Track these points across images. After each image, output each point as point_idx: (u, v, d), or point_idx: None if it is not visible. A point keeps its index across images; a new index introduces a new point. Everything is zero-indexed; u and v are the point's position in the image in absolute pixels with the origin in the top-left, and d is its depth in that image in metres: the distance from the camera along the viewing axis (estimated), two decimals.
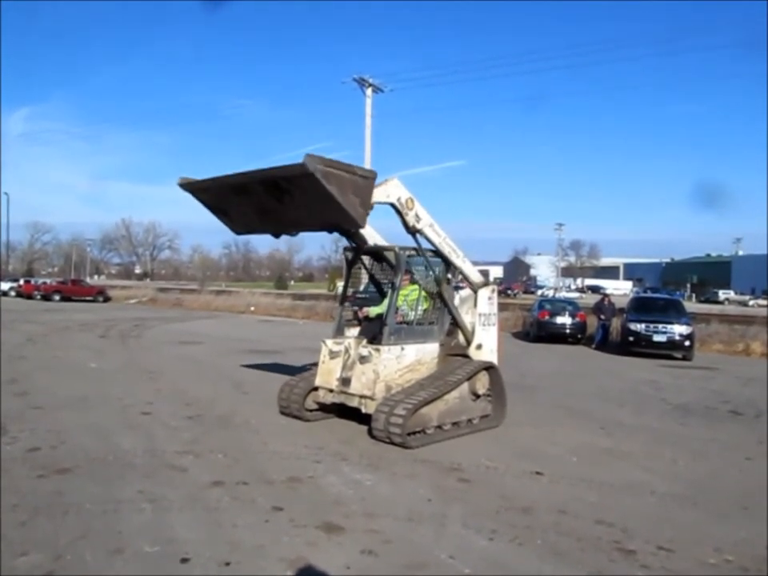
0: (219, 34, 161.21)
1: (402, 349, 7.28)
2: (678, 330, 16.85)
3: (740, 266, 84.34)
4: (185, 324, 24.51)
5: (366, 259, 8.28)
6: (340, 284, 8.49)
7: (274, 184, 6.13)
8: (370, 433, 6.85)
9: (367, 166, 28.99)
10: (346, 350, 7.39)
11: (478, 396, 7.69)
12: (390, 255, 7.70)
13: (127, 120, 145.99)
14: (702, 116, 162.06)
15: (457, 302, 8.17)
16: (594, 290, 72.61)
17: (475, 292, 8.32)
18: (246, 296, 40.94)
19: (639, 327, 17.14)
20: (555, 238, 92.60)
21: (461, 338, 8.15)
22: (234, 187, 6.62)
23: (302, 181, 5.77)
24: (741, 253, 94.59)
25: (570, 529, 4.63)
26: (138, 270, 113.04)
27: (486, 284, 8.51)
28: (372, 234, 7.77)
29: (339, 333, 7.90)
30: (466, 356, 8.02)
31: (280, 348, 16.24)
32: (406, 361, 7.31)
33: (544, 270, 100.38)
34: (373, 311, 7.91)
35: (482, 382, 7.74)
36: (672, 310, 18.35)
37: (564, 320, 20.30)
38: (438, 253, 7.67)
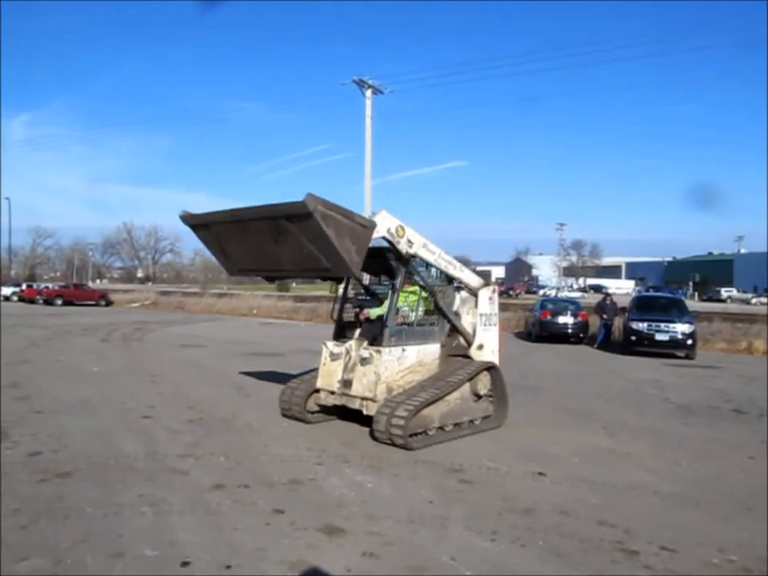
0: (218, 37, 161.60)
1: (403, 350, 7.27)
2: (681, 328, 16.82)
3: (742, 264, 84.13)
4: (186, 327, 24.52)
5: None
6: (341, 286, 8.47)
7: (272, 222, 6.16)
8: (372, 435, 6.83)
9: (368, 168, 29.07)
10: (347, 352, 7.37)
11: (479, 397, 7.68)
12: (391, 256, 7.68)
13: (128, 124, 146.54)
14: (702, 115, 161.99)
15: (458, 302, 8.16)
16: (597, 289, 72.46)
17: (475, 295, 8.29)
18: (247, 299, 40.98)
19: (641, 326, 17.10)
20: (557, 238, 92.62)
21: (461, 338, 8.13)
22: (234, 223, 6.68)
23: (301, 220, 5.78)
24: (743, 251, 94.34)
25: (572, 530, 4.61)
26: (140, 274, 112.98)
27: (486, 284, 8.48)
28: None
29: (340, 335, 7.89)
30: (468, 357, 8.01)
31: (281, 350, 16.24)
32: (407, 362, 7.30)
33: (546, 269, 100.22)
34: (373, 312, 7.89)
35: (484, 383, 7.73)
36: (674, 309, 18.33)
37: (566, 320, 20.27)
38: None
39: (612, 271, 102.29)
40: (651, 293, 41.79)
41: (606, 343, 19.26)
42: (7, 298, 45.97)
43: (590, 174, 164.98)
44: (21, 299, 44.59)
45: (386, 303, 7.66)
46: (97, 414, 8.08)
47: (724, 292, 69.48)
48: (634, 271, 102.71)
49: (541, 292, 70.64)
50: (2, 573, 3.67)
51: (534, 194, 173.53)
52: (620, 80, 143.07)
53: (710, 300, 62.98)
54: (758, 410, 9.61)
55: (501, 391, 8.01)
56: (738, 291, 70.78)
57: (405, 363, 7.27)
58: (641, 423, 8.52)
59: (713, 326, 21.23)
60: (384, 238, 6.92)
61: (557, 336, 20.05)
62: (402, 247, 7.04)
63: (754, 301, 62.77)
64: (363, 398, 7.10)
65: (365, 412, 7.09)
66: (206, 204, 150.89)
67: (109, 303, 42.72)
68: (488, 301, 8.38)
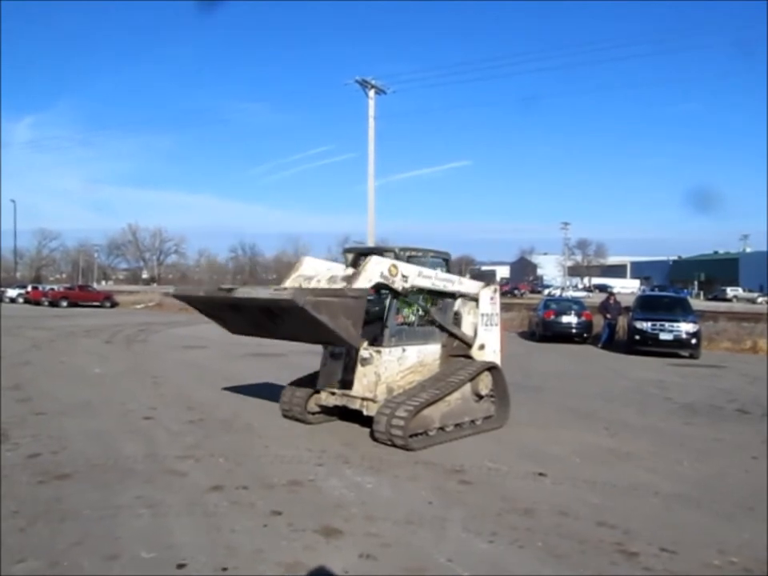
0: (219, 37, 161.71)
1: (404, 350, 7.24)
2: (685, 328, 16.76)
3: (748, 263, 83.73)
4: (190, 328, 24.51)
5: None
6: None
7: (265, 309, 6.27)
8: (372, 435, 6.81)
9: (371, 168, 29.07)
10: (347, 352, 7.35)
11: (480, 397, 7.64)
12: (390, 256, 7.65)
13: (131, 125, 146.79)
14: (706, 113, 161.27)
15: (458, 303, 8.13)
16: (602, 288, 72.08)
17: (477, 297, 8.25)
18: None
19: (645, 326, 17.04)
20: (561, 238, 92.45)
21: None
22: (228, 305, 6.80)
23: (292, 312, 5.87)
24: (748, 250, 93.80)
25: (571, 531, 4.58)
26: (145, 275, 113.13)
27: (487, 285, 8.46)
28: None
29: None
30: (469, 357, 7.97)
31: (284, 351, 16.19)
32: (408, 362, 7.28)
33: (551, 269, 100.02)
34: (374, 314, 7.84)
35: (485, 383, 7.70)
36: (678, 308, 18.26)
37: (570, 319, 20.22)
38: (434, 292, 7.67)
39: (617, 271, 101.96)
40: (655, 292, 41.65)
41: (610, 343, 19.19)
42: (13, 300, 46.19)
43: (595, 173, 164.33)
44: (26, 301, 44.74)
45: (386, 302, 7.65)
46: (97, 416, 8.09)
47: (729, 291, 69.22)
48: (640, 271, 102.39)
49: (545, 291, 70.45)
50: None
51: (538, 194, 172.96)
52: (624, 78, 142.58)
53: (715, 299, 62.72)
54: (761, 410, 9.54)
55: (502, 391, 7.97)
56: (744, 290, 70.52)
57: (405, 363, 7.24)
58: (643, 423, 8.48)
59: (718, 325, 21.15)
60: (379, 284, 6.87)
61: (560, 336, 20.00)
62: (398, 285, 7.01)
63: (759, 300, 62.51)
64: (363, 399, 7.09)
65: (365, 412, 7.08)
66: (210, 204, 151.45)
67: (114, 304, 42.81)
68: (489, 301, 8.34)
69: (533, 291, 75.34)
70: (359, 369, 7.17)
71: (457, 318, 8.11)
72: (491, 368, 7.90)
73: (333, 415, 7.86)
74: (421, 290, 7.46)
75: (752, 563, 4.10)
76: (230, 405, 8.93)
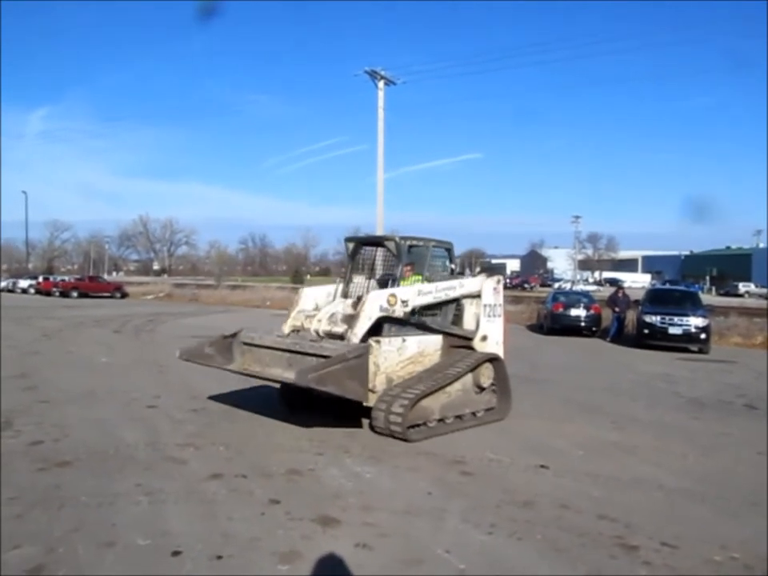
0: (231, 30, 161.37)
1: (404, 340, 7.18)
2: (694, 322, 16.58)
3: (760, 258, 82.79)
4: (199, 319, 24.58)
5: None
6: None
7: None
8: (371, 426, 6.78)
9: (380, 160, 28.98)
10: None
11: (482, 388, 7.58)
12: (391, 245, 7.61)
13: (143, 117, 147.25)
14: (718, 107, 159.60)
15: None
16: (612, 282, 71.70)
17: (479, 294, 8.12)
18: (261, 291, 41.07)
19: (654, 319, 16.86)
20: (572, 231, 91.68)
21: (465, 328, 8.05)
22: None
23: (301, 385, 6.04)
24: (761, 245, 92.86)
25: (571, 524, 4.53)
26: (155, 266, 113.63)
27: (490, 275, 8.39)
28: None
29: None
30: (471, 348, 7.90)
31: None
32: (408, 353, 7.21)
33: (561, 263, 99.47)
34: None
35: (486, 374, 7.62)
36: (688, 303, 18.07)
37: (578, 312, 20.07)
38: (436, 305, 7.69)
39: (628, 265, 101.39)
40: (666, 286, 41.36)
41: (619, 336, 19.04)
42: (24, 291, 46.49)
43: (607, 166, 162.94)
44: (38, 291, 44.96)
45: None
46: (101, 405, 8.10)
47: (742, 287, 68.49)
48: (651, 265, 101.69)
49: (556, 285, 70.06)
50: None
51: (549, 187, 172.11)
52: (637, 71, 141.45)
53: (727, 295, 62.08)
54: None
55: (504, 383, 7.90)
56: (756, 286, 69.79)
57: (405, 354, 7.17)
58: (649, 417, 8.39)
59: (728, 320, 20.91)
60: (381, 318, 6.93)
61: (569, 329, 19.84)
62: (399, 312, 7.03)
63: None
64: None
65: (365, 403, 7.03)
66: (221, 196, 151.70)
67: (124, 295, 42.95)
68: (492, 291, 8.25)
69: (543, 284, 74.96)
70: None
71: (459, 310, 8.04)
72: (493, 359, 7.82)
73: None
74: (424, 308, 7.44)
75: (753, 560, 4.04)
76: (234, 394, 8.91)
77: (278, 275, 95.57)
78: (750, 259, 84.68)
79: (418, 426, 6.78)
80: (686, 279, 77.15)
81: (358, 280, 8.17)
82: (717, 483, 5.66)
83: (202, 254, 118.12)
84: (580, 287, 59.61)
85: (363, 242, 8.26)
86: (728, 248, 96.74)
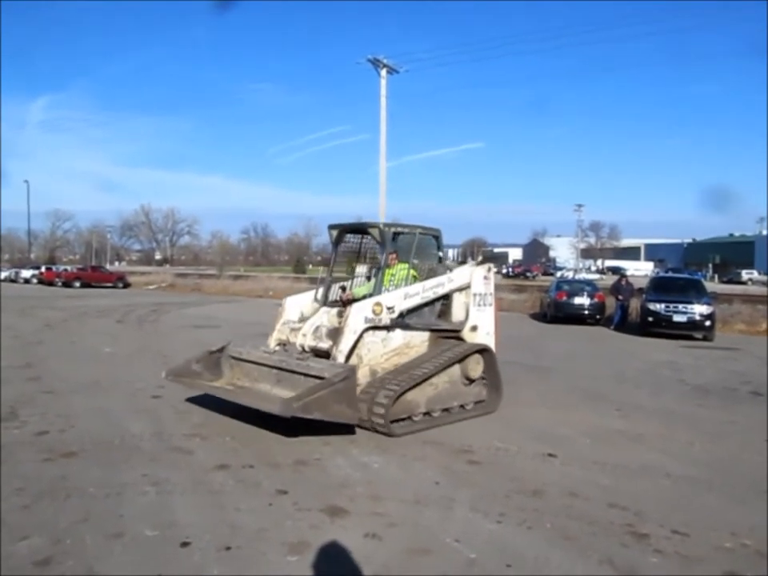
0: (233, 18, 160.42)
1: (388, 331, 6.92)
2: (699, 309, 16.52)
3: (763, 245, 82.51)
4: (202, 308, 24.59)
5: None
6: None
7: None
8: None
9: (382, 149, 28.86)
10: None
11: (471, 380, 7.34)
12: (375, 232, 7.32)
13: (144, 106, 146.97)
14: (723, 94, 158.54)
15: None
16: (615, 271, 71.55)
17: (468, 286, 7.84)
18: (263, 280, 41.04)
19: (659, 307, 16.81)
20: (575, 220, 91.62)
21: (453, 318, 7.76)
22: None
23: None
24: (765, 232, 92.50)
25: (581, 512, 4.51)
26: (158, 256, 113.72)
27: (480, 263, 8.21)
28: None
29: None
30: (460, 338, 7.63)
31: None
32: (393, 344, 6.96)
33: (563, 251, 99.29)
34: (358, 292, 7.57)
35: (475, 366, 7.35)
36: (692, 290, 17.98)
37: (582, 301, 20.01)
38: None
39: (631, 253, 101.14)
40: (669, 274, 41.26)
41: (623, 324, 18.99)
42: (27, 281, 46.56)
43: (609, 154, 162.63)
44: (40, 282, 45.01)
45: (372, 282, 7.42)
46: (106, 395, 8.09)
47: (745, 274, 68.36)
48: (654, 253, 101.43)
49: (558, 274, 69.99)
50: (1, 552, 3.65)
51: (551, 176, 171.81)
52: (639, 58, 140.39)
53: (730, 282, 61.96)
54: None
55: (494, 375, 7.61)
56: (759, 273, 69.67)
57: (390, 345, 6.92)
58: (655, 405, 8.36)
59: (732, 307, 20.83)
60: (367, 328, 6.66)
61: (572, 317, 19.78)
62: (386, 320, 6.77)
63: None
64: None
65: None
66: (222, 186, 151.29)
67: (126, 285, 42.99)
68: (482, 280, 7.93)
69: (545, 273, 74.86)
70: None
71: (447, 299, 7.76)
72: (482, 350, 7.52)
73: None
74: (411, 310, 7.16)
75: (765, 546, 4.00)
76: None
77: (280, 265, 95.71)
78: (753, 246, 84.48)
79: (403, 419, 6.56)
80: (688, 267, 77.02)
81: (343, 273, 7.98)
82: (724, 470, 5.64)
83: (204, 243, 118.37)
84: (582, 276, 59.52)
85: (347, 230, 7.97)
86: (731, 235, 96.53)
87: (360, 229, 7.94)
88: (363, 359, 6.67)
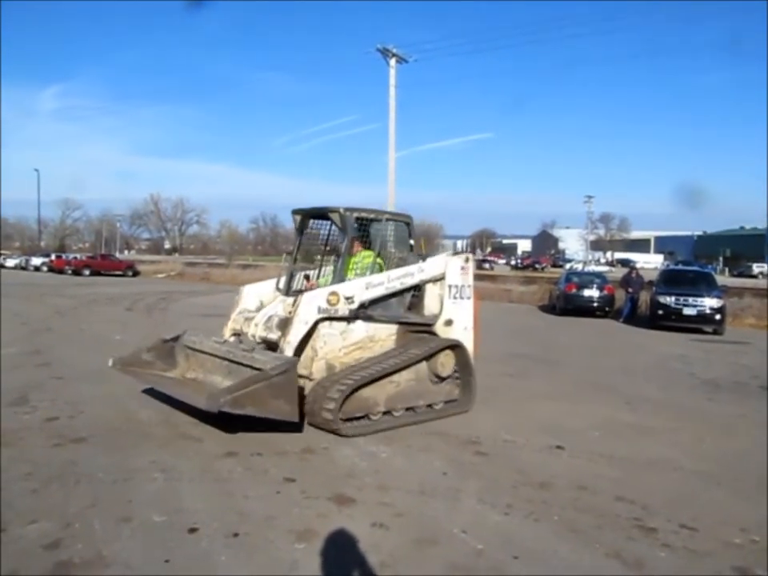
0: (243, 7, 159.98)
1: (349, 323, 6.43)
2: (709, 303, 16.41)
3: None
4: (210, 297, 24.64)
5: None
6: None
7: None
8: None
9: (391, 139, 28.74)
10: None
11: (441, 378, 6.84)
12: (335, 217, 6.81)
13: (154, 95, 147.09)
14: (734, 83, 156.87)
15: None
16: (624, 263, 71.21)
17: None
18: (272, 270, 41.05)
19: (669, 300, 16.71)
20: (584, 211, 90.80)
21: (426, 311, 7.21)
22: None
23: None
24: None
25: (588, 505, 4.49)
26: (167, 245, 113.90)
27: (456, 253, 7.91)
28: None
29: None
30: (433, 333, 7.12)
31: None
32: (354, 337, 6.48)
33: (573, 243, 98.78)
34: (323, 282, 7.19)
35: (445, 363, 6.82)
36: (702, 283, 17.86)
37: (591, 293, 19.92)
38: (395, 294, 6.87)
39: (641, 245, 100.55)
40: (679, 267, 40.98)
41: (632, 317, 18.90)
42: (37, 269, 46.83)
43: (620, 145, 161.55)
44: (50, 269, 45.25)
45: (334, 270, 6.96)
46: (115, 381, 8.07)
47: (755, 267, 67.83)
48: (664, 245, 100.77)
49: (567, 266, 69.71)
50: (9, 536, 3.68)
51: (561, 167, 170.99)
52: (652, 47, 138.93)
53: (740, 275, 61.49)
54: None
55: (467, 373, 7.05)
56: None
57: (351, 338, 6.45)
58: (664, 398, 8.32)
59: (743, 301, 20.71)
60: (321, 319, 6.22)
61: (582, 309, 19.71)
62: (344, 311, 6.28)
63: None
64: (300, 376, 6.05)
65: (305, 392, 6.19)
66: (231, 175, 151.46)
67: (136, 274, 43.19)
68: (459, 271, 7.33)
69: (554, 265, 74.58)
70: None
71: (419, 291, 7.18)
72: (454, 346, 6.96)
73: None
74: (375, 301, 6.65)
75: None
76: None
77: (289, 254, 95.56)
78: (764, 239, 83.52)
79: (358, 418, 6.13)
80: (698, 260, 76.38)
81: (306, 263, 7.64)
82: (733, 465, 5.60)
83: (213, 233, 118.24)
84: (591, 268, 59.24)
85: (311, 215, 7.46)
86: (741, 228, 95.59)
87: (322, 214, 7.33)
88: (318, 353, 6.25)
